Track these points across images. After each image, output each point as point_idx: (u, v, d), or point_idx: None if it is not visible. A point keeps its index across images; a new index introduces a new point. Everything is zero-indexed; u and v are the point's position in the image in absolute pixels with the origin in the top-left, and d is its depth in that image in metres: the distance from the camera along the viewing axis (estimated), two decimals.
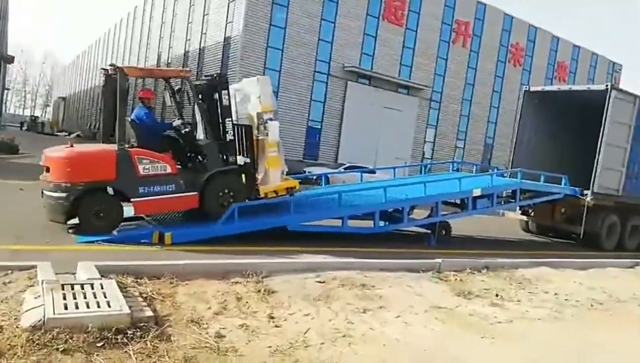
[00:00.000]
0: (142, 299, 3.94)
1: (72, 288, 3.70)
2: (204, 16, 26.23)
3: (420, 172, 12.47)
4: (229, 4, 23.27)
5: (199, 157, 6.98)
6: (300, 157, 23.05)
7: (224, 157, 6.94)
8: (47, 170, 6.25)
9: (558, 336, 4.61)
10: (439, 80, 28.10)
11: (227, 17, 23.46)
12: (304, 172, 16.85)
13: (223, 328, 3.69)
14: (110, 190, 6.31)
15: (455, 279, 6.25)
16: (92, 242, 5.86)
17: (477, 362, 3.74)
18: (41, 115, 75.96)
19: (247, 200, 7.14)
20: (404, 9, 26.00)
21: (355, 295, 4.91)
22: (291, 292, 4.68)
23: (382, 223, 8.52)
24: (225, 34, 23.52)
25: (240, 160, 7.15)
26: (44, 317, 3.24)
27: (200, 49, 26.35)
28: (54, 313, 3.28)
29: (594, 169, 10.83)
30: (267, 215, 7.10)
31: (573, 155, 12.19)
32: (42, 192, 6.30)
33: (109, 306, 3.51)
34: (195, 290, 4.41)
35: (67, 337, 3.13)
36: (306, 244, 7.02)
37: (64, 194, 5.97)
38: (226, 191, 6.89)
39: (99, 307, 3.49)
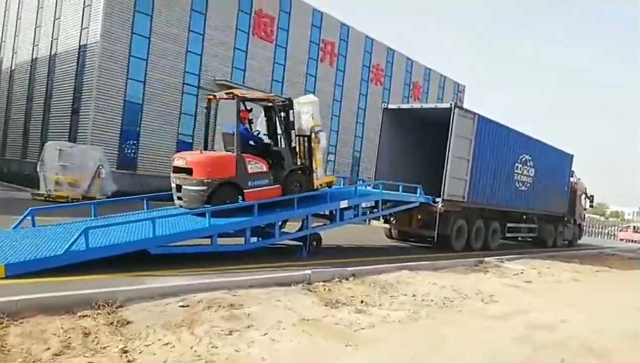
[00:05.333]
0: None
1: None
2: (54, 20, 23.69)
3: None
4: (84, 8, 21.33)
5: (275, 159, 8.86)
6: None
7: (293, 159, 8.95)
8: (185, 170, 8.00)
9: (413, 335, 4.95)
10: None
11: (82, 22, 21.42)
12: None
13: None
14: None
15: (324, 289, 6.40)
16: None
17: None
18: None
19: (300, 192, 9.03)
20: (273, 26, 26.46)
21: (221, 317, 4.71)
22: (149, 321, 4.32)
23: (254, 239, 8.42)
24: (80, 41, 21.46)
25: (299, 161, 9.26)
26: None
27: (50, 56, 23.71)
28: None
29: (443, 178, 12.06)
30: (125, 238, 6.52)
31: (426, 166, 13.44)
32: (180, 187, 8.04)
33: None
34: (31, 329, 3.83)
35: None
36: (171, 267, 6.61)
37: (204, 188, 7.80)
38: (297, 184, 9.06)
39: None
